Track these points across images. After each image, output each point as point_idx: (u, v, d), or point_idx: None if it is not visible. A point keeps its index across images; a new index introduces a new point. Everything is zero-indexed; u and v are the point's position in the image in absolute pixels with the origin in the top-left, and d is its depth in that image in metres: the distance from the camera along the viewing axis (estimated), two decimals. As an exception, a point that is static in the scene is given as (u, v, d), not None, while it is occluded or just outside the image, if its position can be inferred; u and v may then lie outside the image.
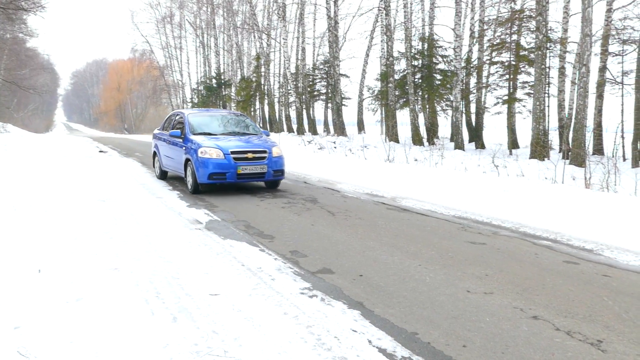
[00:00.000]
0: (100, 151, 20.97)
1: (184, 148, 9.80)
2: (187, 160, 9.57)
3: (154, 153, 12.06)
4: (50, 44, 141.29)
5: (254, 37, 37.93)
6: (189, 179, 9.55)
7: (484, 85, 24.65)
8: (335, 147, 20.70)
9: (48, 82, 69.42)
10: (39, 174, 11.96)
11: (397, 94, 24.85)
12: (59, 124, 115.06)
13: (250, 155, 9.25)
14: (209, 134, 9.92)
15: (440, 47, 25.50)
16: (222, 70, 44.15)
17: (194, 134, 9.82)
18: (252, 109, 37.64)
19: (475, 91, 25.30)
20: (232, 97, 40.25)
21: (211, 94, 42.32)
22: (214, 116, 11.10)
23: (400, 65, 26.05)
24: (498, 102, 23.43)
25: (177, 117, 10.95)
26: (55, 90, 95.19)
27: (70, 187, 9.81)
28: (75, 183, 10.50)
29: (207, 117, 10.91)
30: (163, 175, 11.58)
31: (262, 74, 35.55)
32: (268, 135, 10.81)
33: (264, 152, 9.44)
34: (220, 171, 9.01)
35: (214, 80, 43.07)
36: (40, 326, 3.42)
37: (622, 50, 19.67)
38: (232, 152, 9.12)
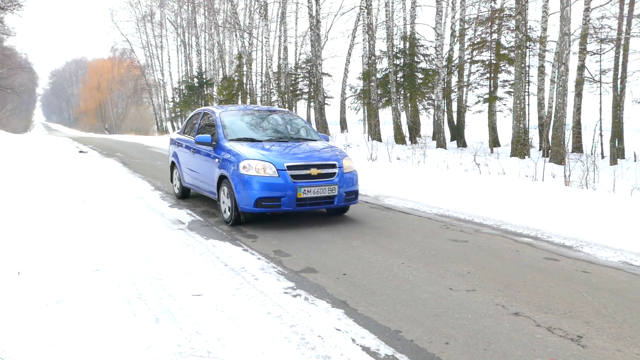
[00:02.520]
0: (80, 151, 20.68)
1: (217, 160, 7.15)
2: (222, 177, 6.94)
3: (172, 164, 9.38)
4: (28, 43, 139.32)
5: (236, 36, 37.75)
6: (226, 204, 6.86)
7: (465, 84, 24.86)
8: (318, 146, 20.64)
9: (26, 82, 68.20)
10: (16, 174, 11.75)
11: (379, 92, 24.95)
12: (38, 124, 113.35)
13: (314, 171, 6.55)
14: (252, 140, 7.28)
15: (422, 46, 25.68)
16: (203, 70, 43.90)
17: (231, 140, 7.16)
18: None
19: (456, 90, 25.52)
20: (214, 96, 40.00)
21: (193, 93, 42.07)
22: (256, 116, 8.27)
23: (382, 64, 26.19)
24: (479, 101, 23.65)
25: (205, 118, 8.34)
26: (33, 90, 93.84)
27: (50, 188, 9.66)
28: (55, 184, 10.33)
29: (247, 117, 8.11)
30: (184, 194, 8.95)
31: (244, 73, 35.36)
32: (328, 140, 8.22)
33: (333, 166, 6.76)
34: (272, 195, 6.36)
35: (195, 80, 42.81)
36: (20, 329, 3.36)
37: (600, 49, 20.01)
38: (289, 167, 6.43)
